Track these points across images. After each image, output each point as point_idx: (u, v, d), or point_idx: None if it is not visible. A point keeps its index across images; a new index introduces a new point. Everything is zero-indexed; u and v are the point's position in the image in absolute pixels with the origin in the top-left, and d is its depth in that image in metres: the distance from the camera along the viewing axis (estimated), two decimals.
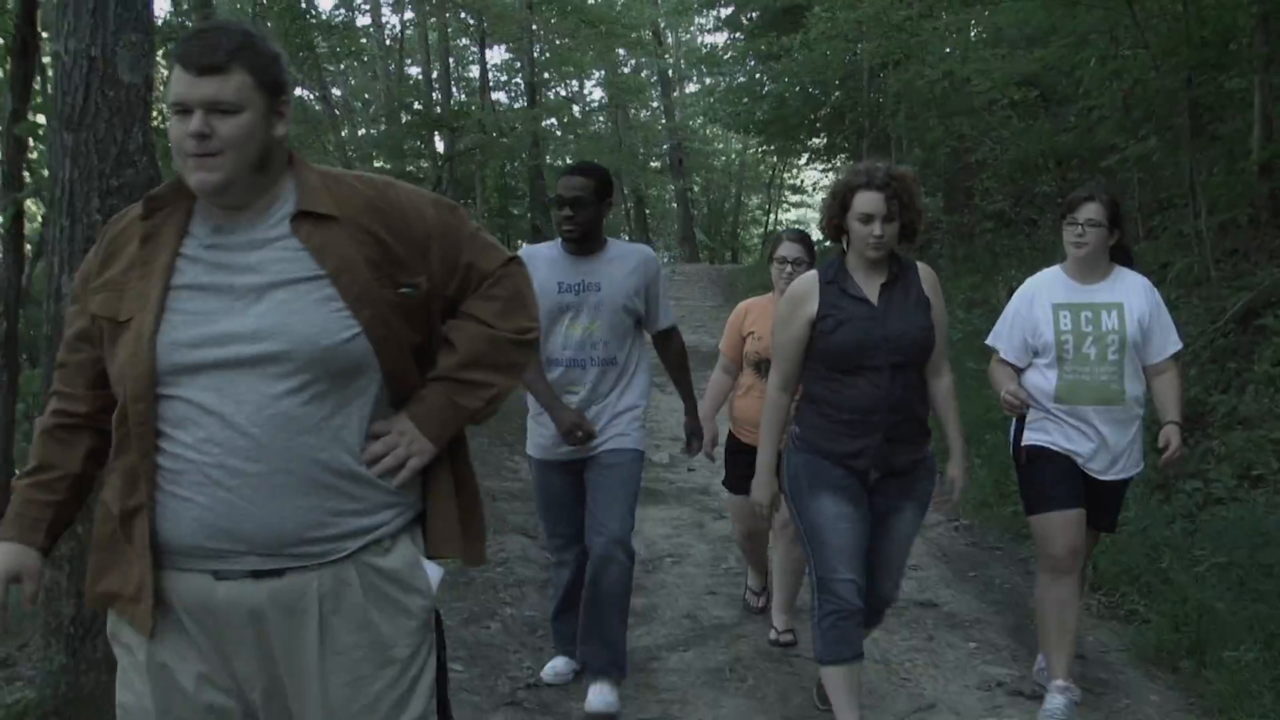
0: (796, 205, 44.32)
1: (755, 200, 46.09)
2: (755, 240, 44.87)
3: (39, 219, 9.87)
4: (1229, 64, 11.94)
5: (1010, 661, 5.39)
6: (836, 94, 23.06)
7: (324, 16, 26.72)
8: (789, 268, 5.30)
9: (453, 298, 2.57)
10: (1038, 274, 4.99)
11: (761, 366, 5.26)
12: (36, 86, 6.81)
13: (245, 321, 2.30)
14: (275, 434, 2.27)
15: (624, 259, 4.82)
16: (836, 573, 4.14)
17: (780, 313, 4.38)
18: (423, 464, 2.47)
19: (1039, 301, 4.79)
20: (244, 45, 2.31)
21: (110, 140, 4.04)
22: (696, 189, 43.12)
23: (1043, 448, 4.72)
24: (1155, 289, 4.85)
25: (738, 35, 32.03)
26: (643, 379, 4.92)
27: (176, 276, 2.34)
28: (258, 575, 2.31)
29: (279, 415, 2.28)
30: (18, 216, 5.89)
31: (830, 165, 32.56)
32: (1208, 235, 10.57)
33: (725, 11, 32.64)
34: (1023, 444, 4.78)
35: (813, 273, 4.38)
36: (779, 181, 42.58)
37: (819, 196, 40.25)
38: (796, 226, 6.12)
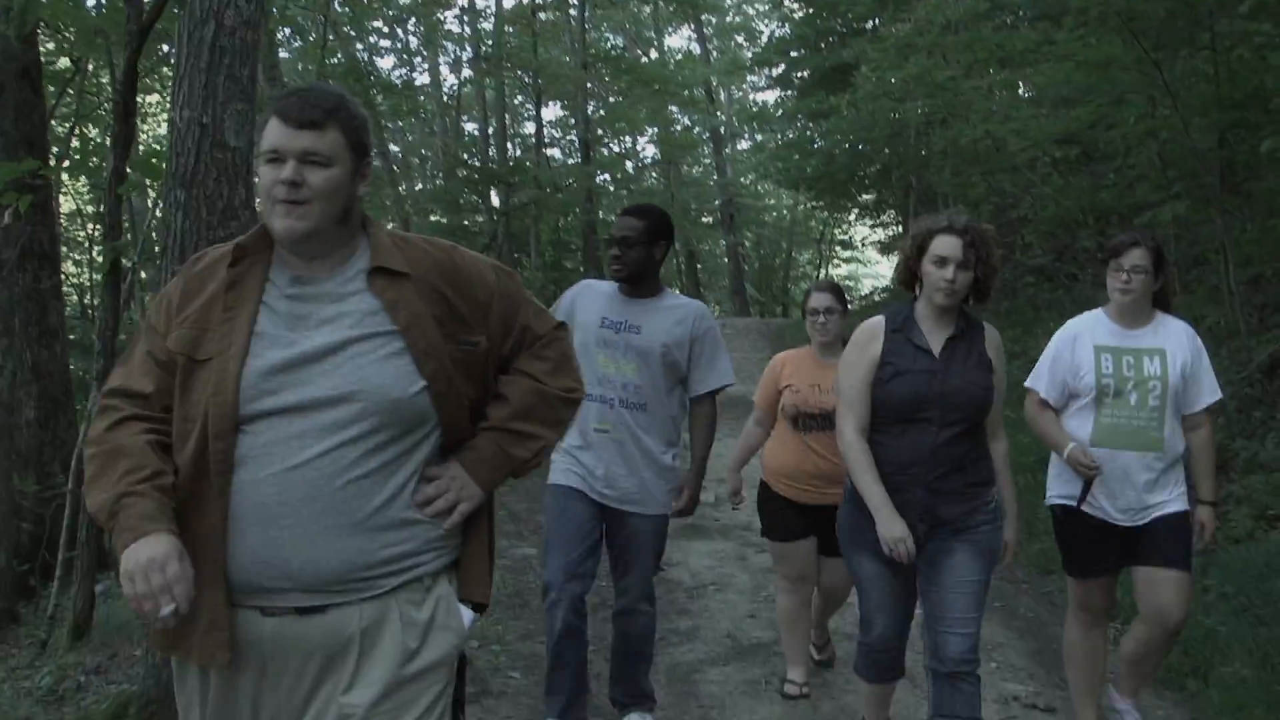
0: (847, 260, 44.59)
1: (805, 256, 46.36)
2: None
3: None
4: (1262, 124, 12.29)
5: (1028, 679, 5.77)
6: (885, 151, 23.46)
7: (384, 75, 27.53)
8: (821, 318, 5.28)
9: (506, 356, 2.69)
10: (1079, 316, 4.92)
11: (798, 421, 5.27)
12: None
13: (319, 371, 2.40)
14: (335, 477, 2.37)
15: (674, 309, 4.78)
16: (874, 621, 4.31)
17: (846, 357, 4.32)
18: (471, 509, 2.57)
19: (1081, 343, 4.72)
20: (340, 106, 2.45)
21: (218, 196, 4.59)
22: (747, 244, 43.43)
23: (1078, 510, 4.66)
24: (1197, 335, 4.77)
25: (789, 93, 32.52)
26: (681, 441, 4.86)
27: (258, 323, 2.44)
28: (302, 611, 2.39)
29: (340, 459, 2.38)
30: (115, 264, 6.42)
31: (879, 220, 32.99)
32: (1238, 290, 10.90)
33: (776, 70, 33.24)
34: (1059, 500, 4.76)
35: (879, 317, 4.30)
36: (829, 237, 42.93)
37: (869, 252, 40.59)
38: (827, 278, 5.94)
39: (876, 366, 4.14)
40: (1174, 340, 4.66)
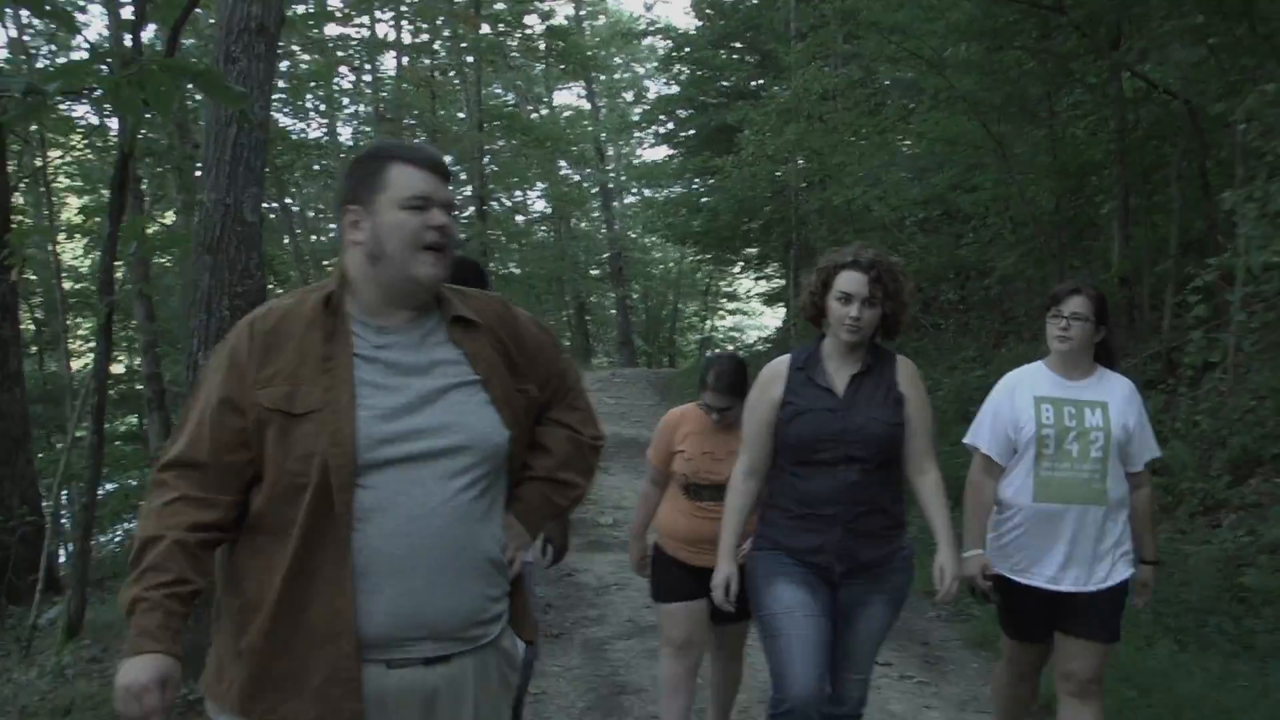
0: (732, 312, 45.50)
1: (692, 307, 46.96)
2: (692, 345, 45.98)
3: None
4: (1094, 190, 13.98)
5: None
6: (767, 208, 24.85)
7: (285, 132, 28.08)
8: (715, 415, 4.82)
9: (544, 405, 2.74)
10: (1019, 368, 4.71)
11: (690, 490, 4.86)
12: None
13: (427, 420, 2.42)
14: (456, 524, 2.39)
15: None
16: (791, 666, 3.93)
17: (750, 397, 4.23)
18: (525, 556, 2.65)
19: (1020, 395, 4.50)
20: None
21: (238, 260, 5.71)
22: (635, 296, 44.10)
23: (1009, 580, 4.48)
24: (1138, 393, 4.59)
25: (677, 151, 33.81)
26: None
27: (358, 373, 2.43)
28: (429, 662, 2.40)
29: (459, 507, 2.40)
30: (109, 316, 7.41)
31: (762, 273, 34.35)
32: None
33: (664, 129, 34.55)
34: (1000, 571, 4.48)
35: (786, 356, 4.22)
36: (715, 289, 43.95)
37: (754, 303, 41.64)
38: (732, 363, 5.73)
39: (778, 407, 4.05)
40: (1116, 394, 4.48)
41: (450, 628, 2.40)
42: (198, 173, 17.97)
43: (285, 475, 2.36)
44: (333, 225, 32.90)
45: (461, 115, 32.79)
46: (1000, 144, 13.01)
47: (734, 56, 30.71)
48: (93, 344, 25.25)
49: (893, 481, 4.07)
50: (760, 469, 4.11)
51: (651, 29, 37.18)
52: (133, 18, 7.44)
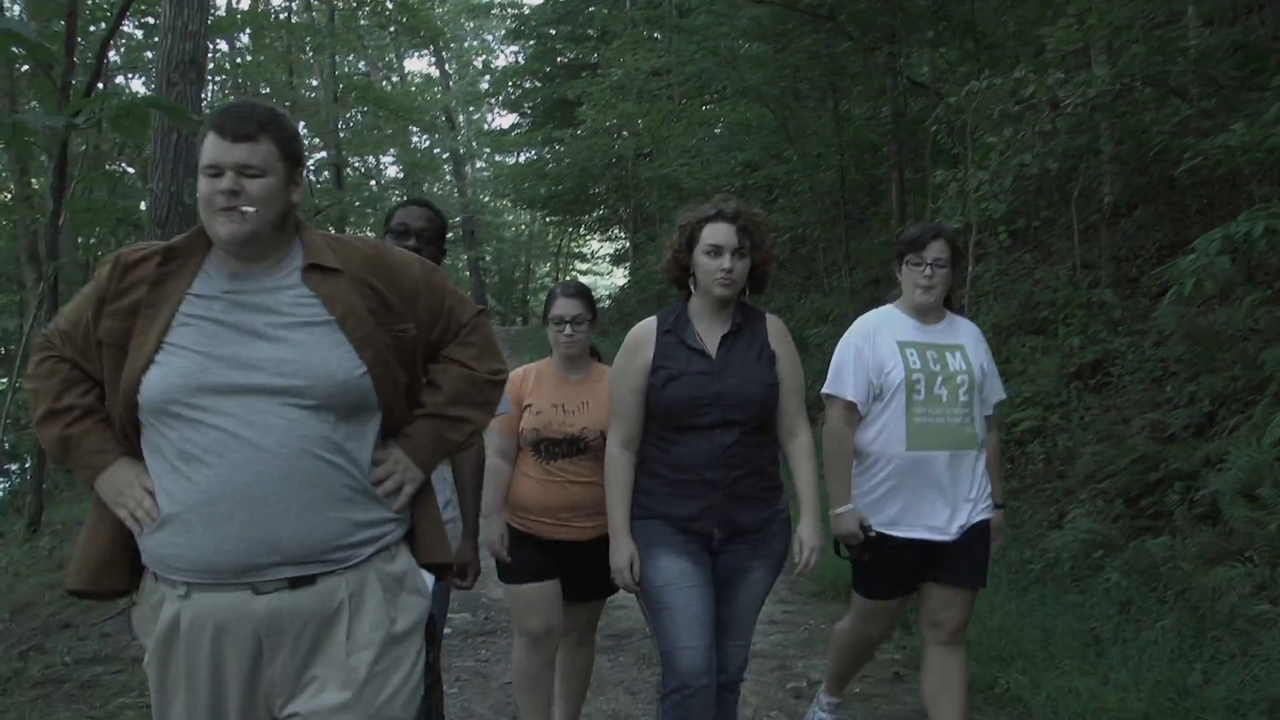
0: (584, 272, 46.21)
1: (544, 268, 48.08)
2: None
3: None
4: (875, 164, 16.34)
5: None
6: (608, 175, 26.77)
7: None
8: (568, 328, 4.40)
9: (434, 343, 2.75)
10: (869, 313, 4.47)
11: (540, 447, 4.39)
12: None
13: (269, 355, 2.47)
14: (303, 456, 2.44)
15: None
16: (679, 640, 3.72)
17: (616, 364, 3.95)
18: (415, 490, 2.67)
19: (882, 338, 4.28)
20: (271, 120, 2.51)
21: (180, 234, 7.58)
22: (488, 258, 45.10)
23: (884, 535, 4.26)
24: (983, 335, 4.51)
25: (523, 121, 35.28)
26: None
27: (194, 311, 2.50)
28: (294, 584, 2.46)
29: (305, 439, 2.44)
30: (55, 280, 8.86)
31: (608, 235, 36.02)
32: (853, 290, 14.77)
33: (513, 96, 35.96)
34: (872, 530, 4.24)
35: (652, 320, 3.98)
36: (566, 250, 45.06)
37: (603, 264, 42.76)
38: (574, 279, 6.26)
39: (649, 372, 3.82)
40: (968, 336, 4.40)
41: (306, 552, 2.45)
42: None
43: (114, 403, 2.54)
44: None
45: (314, 83, 33.52)
46: (786, 128, 15.25)
47: (578, 30, 32.00)
48: None
49: (769, 443, 3.91)
50: (635, 438, 3.88)
51: (498, 2, 38.15)
52: (65, 40, 9.13)
